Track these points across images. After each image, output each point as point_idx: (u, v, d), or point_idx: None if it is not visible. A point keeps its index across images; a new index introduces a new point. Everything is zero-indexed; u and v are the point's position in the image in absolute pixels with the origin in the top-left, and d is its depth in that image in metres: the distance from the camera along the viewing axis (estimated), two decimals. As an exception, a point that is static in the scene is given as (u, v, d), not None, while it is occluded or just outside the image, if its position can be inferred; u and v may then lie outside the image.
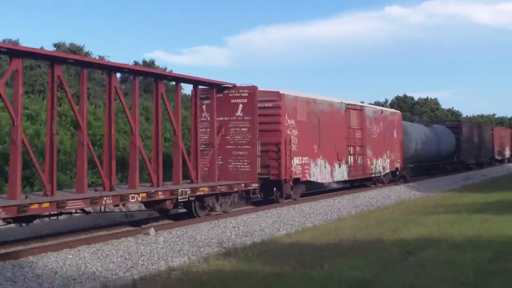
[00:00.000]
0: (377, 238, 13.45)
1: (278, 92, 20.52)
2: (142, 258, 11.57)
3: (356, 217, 18.29)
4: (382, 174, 28.69)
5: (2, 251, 11.81)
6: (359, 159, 25.97)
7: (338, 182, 26.63)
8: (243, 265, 10.59)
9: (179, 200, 15.50)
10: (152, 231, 14.18)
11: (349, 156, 25.02)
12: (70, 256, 11.35)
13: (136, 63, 48.61)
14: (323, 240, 13.27)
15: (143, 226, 15.49)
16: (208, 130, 18.51)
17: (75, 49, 42.52)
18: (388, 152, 29.33)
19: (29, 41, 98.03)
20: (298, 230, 15.49)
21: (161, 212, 16.70)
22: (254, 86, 18.89)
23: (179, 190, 15.43)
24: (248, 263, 10.78)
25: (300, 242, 13.14)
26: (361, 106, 27.55)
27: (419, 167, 37.41)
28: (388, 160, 29.35)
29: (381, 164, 28.39)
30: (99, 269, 10.63)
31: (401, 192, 27.42)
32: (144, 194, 14.56)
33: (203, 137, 18.45)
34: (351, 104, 25.94)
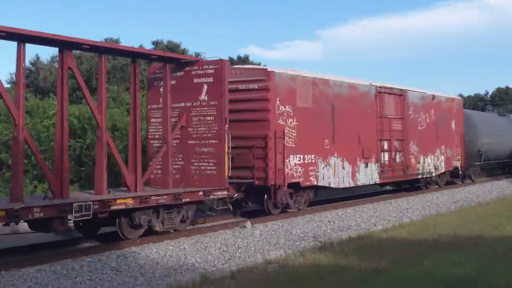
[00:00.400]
0: (478, 235, 13.00)
1: (266, 69, 16.17)
2: (239, 251, 11.76)
3: (456, 212, 17.72)
4: (433, 174, 23.76)
5: (108, 242, 12.34)
6: (397, 156, 20.85)
7: (371, 185, 20.97)
8: (340, 260, 10.54)
9: (74, 219, 10.85)
10: (248, 224, 14.37)
11: (382, 153, 19.99)
12: (171, 247, 11.71)
13: (231, 59, 49.25)
14: (421, 236, 12.97)
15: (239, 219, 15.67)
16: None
17: (172, 47, 43.60)
18: (443, 147, 24.30)
19: (128, 40, 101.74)
20: (395, 225, 15.22)
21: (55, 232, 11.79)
22: (222, 59, 13.95)
23: (74, 204, 10.63)
24: (345, 257, 10.72)
25: (398, 237, 12.91)
26: (401, 89, 21.63)
27: (490, 166, 31.94)
28: (442, 157, 24.33)
29: (431, 163, 23.43)
30: (198, 260, 10.90)
31: (503, 187, 26.31)
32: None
33: (159, 130, 14.56)
34: (385, 87, 20.59)
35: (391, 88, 20.98)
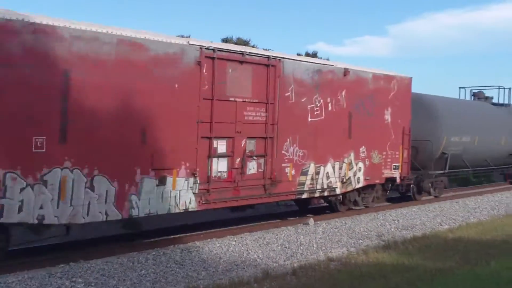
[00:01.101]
0: (550, 237, 12.54)
1: None
2: (301, 247, 11.75)
3: (527, 213, 17.15)
4: (338, 191, 15.13)
5: (172, 236, 12.57)
6: (252, 164, 12.90)
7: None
8: (404, 259, 10.38)
9: None
10: (311, 221, 14.34)
11: (209, 160, 11.98)
12: (234, 243, 11.82)
13: (299, 55, 49.13)
14: (489, 237, 12.64)
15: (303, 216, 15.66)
16: None
17: (242, 43, 43.89)
18: (362, 149, 15.81)
19: (199, 36, 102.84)
20: (461, 225, 14.86)
21: None
22: None
23: None
24: (409, 257, 10.56)
25: (464, 237, 12.61)
26: (269, 57, 13.30)
27: (464, 175, 23.66)
28: (361, 165, 15.82)
29: (335, 174, 14.92)
30: (260, 256, 10.96)
31: None
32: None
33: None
34: (226, 51, 12.29)
35: (240, 54, 12.57)
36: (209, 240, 12.07)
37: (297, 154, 13.86)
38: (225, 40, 47.72)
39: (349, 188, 15.54)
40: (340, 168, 15.08)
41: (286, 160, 13.52)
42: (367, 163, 16.05)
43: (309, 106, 14.08)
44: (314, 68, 14.22)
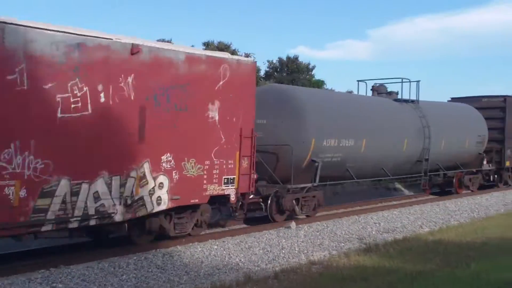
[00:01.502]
0: (529, 238, 12.70)
1: None
2: (283, 251, 11.77)
3: (506, 215, 17.35)
4: (122, 217, 10.64)
5: (153, 241, 12.50)
6: None
7: None
8: (385, 262, 10.44)
9: None
10: (293, 224, 14.36)
11: None
12: (215, 247, 11.81)
13: (280, 59, 49.31)
14: (469, 239, 12.75)
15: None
16: None
17: (223, 47, 43.95)
18: (168, 157, 11.30)
19: (180, 40, 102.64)
20: (442, 227, 14.98)
21: None
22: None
23: None
24: (390, 260, 10.61)
25: (444, 240, 12.71)
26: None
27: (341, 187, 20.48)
28: (169, 178, 11.40)
29: (115, 193, 10.39)
30: (242, 260, 10.96)
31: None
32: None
33: None
34: None
35: None
36: (190, 244, 12.03)
37: (32, 166, 9.19)
38: (207, 44, 47.65)
39: (141, 213, 10.98)
40: (123, 184, 10.52)
41: (7, 176, 8.86)
42: (175, 176, 11.48)
43: (60, 96, 9.52)
44: (71, 41, 9.68)
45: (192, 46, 12.66)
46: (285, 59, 51.76)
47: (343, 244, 12.65)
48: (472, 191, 23.32)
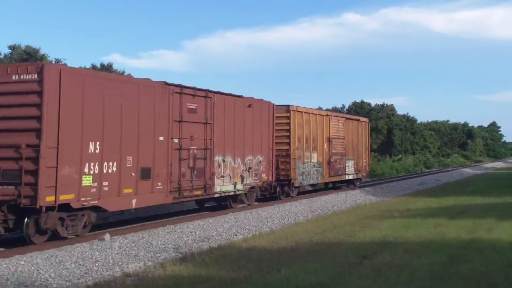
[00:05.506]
0: (333, 243, 13.54)
1: None
2: (96, 264, 11.36)
3: (313, 221, 18.36)
4: None
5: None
6: None
7: None
8: (200, 271, 10.51)
9: None
10: (107, 236, 13.94)
11: None
12: (22, 263, 11.05)
13: (93, 66, 48.01)
14: (280, 245, 13.28)
15: (98, 231, 15.20)
16: None
17: (31, 51, 41.61)
18: None
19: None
20: (255, 234, 15.47)
21: None
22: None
23: None
24: (205, 268, 10.71)
25: (257, 246, 13.12)
26: None
27: None
28: None
29: None
30: (52, 275, 10.39)
31: (357, 197, 27.67)
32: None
33: None
34: None
35: None
36: (-11, 261, 11.15)
37: None
38: (13, 48, 44.89)
39: None
40: None
41: None
42: None
43: None
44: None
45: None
46: (99, 66, 50.45)
47: (159, 255, 12.53)
48: None
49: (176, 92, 16.92)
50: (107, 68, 50.02)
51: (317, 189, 30.49)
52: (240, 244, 13.65)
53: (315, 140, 26.96)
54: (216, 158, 18.81)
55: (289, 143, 24.49)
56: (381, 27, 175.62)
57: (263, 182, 22.05)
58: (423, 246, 12.96)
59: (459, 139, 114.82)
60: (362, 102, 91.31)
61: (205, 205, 21.61)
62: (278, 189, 24.04)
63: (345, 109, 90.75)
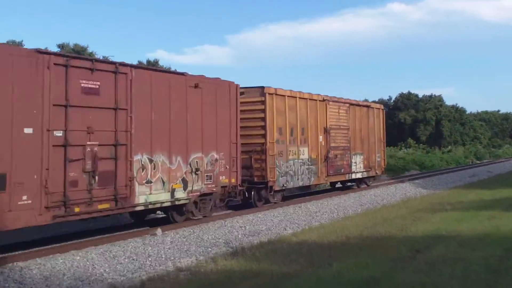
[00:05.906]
0: (384, 237, 13.40)
1: None
2: (149, 259, 11.54)
3: (363, 215, 18.20)
4: None
5: (8, 254, 11.78)
6: None
7: None
8: (251, 265, 10.55)
9: None
10: (159, 231, 14.14)
11: None
12: (78, 258, 11.33)
13: (140, 62, 48.74)
14: (331, 239, 13.22)
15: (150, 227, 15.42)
16: None
17: (79, 50, 42.48)
18: None
19: (33, 43, 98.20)
20: (304, 229, 15.44)
21: None
22: None
23: None
24: (256, 262, 10.75)
25: (308, 241, 13.09)
26: None
27: None
28: None
29: None
30: (107, 270, 10.60)
31: (407, 189, 27.32)
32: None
33: None
34: None
35: None
36: (51, 256, 11.46)
37: None
38: (62, 46, 45.86)
39: None
40: None
41: None
42: None
43: None
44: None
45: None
46: (145, 63, 51.18)
47: (210, 249, 12.64)
48: None
49: (57, 64, 11.92)
50: (153, 65, 50.77)
51: (319, 191, 26.69)
52: (290, 238, 13.64)
53: (305, 131, 21.29)
54: (137, 157, 13.76)
55: (264, 135, 19.17)
56: (427, 16, 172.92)
57: (223, 186, 16.89)
58: (477, 239, 12.69)
59: (510, 129, 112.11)
60: (409, 93, 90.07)
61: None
62: (253, 194, 19.35)
63: (391, 101, 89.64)
